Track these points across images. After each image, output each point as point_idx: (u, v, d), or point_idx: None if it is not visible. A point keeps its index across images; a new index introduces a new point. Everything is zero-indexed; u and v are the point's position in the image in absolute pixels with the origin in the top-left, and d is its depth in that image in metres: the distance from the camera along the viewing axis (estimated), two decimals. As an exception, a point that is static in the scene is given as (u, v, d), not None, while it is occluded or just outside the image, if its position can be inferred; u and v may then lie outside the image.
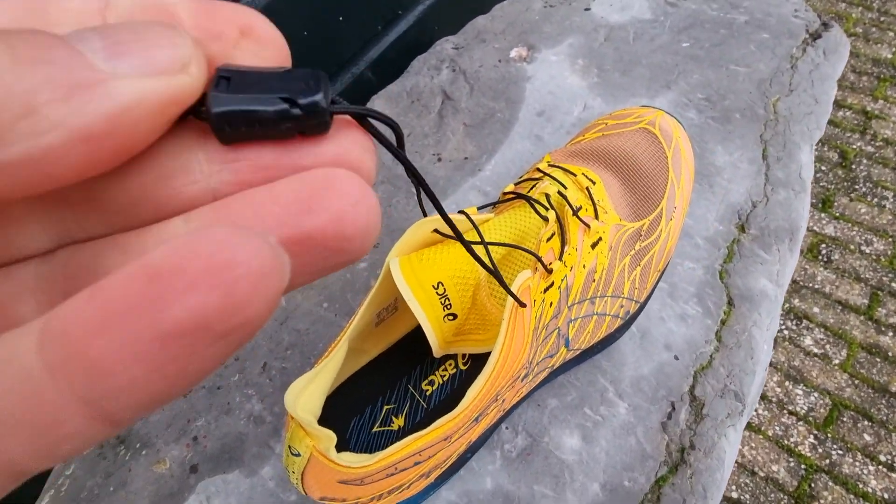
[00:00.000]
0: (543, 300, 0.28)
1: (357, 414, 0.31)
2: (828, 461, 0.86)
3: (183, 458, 0.36)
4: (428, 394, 0.32)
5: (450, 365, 0.33)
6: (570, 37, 0.59)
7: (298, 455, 0.21)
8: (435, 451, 0.24)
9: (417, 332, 0.35)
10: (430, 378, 0.33)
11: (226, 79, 0.09)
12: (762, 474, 0.86)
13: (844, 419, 0.90)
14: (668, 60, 0.55)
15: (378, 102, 0.58)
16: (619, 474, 0.34)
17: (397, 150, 0.12)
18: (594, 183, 0.34)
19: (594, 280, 0.32)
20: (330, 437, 0.21)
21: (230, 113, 0.09)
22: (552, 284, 0.28)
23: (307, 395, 0.22)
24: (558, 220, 0.29)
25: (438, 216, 0.26)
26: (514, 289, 0.25)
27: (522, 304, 0.25)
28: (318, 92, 0.10)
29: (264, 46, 0.10)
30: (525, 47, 0.59)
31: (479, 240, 0.27)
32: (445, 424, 0.23)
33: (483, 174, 0.49)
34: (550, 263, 0.28)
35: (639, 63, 0.55)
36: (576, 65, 0.56)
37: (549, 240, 0.28)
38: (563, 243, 0.29)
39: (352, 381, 0.32)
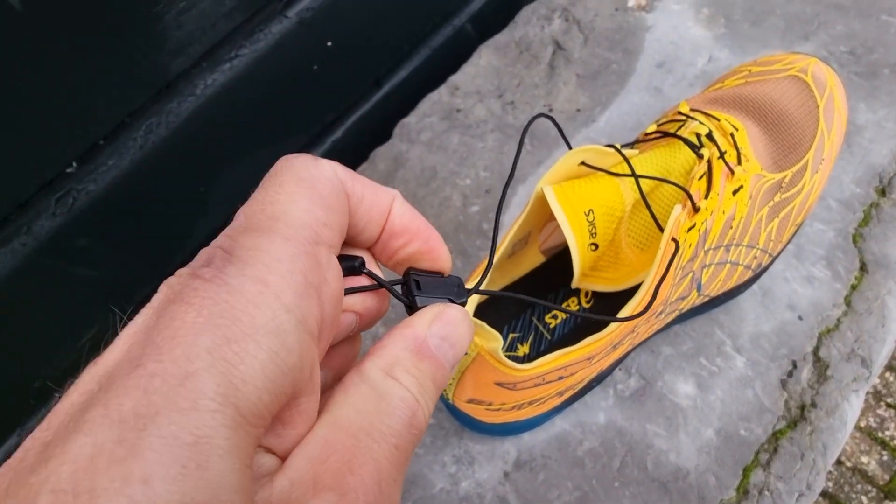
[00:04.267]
0: (685, 240, 0.28)
1: (484, 339, 0.33)
2: (927, 458, 0.81)
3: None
4: (551, 327, 0.34)
5: (573, 302, 0.34)
6: (694, -15, 0.56)
7: (465, 353, 0.23)
8: (577, 368, 0.26)
9: (539, 271, 0.36)
10: (553, 312, 0.34)
11: (416, 282, 0.16)
12: (849, 464, 0.82)
13: (952, 417, 0.84)
14: (808, 10, 0.51)
15: (485, 52, 0.58)
16: (735, 423, 0.34)
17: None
18: (737, 130, 0.33)
19: (731, 227, 0.31)
20: (497, 338, 0.22)
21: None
22: (693, 226, 0.28)
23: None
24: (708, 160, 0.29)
25: (587, 147, 0.27)
26: (668, 224, 0.25)
27: (675, 241, 0.25)
28: (464, 295, 0.17)
29: (436, 261, 0.17)
30: (644, -4, 0.56)
31: (628, 174, 0.27)
32: (594, 343, 0.25)
33: (597, 125, 0.49)
34: (698, 202, 0.27)
35: (772, 13, 0.52)
36: (700, 14, 0.53)
37: (700, 178, 0.27)
38: (709, 186, 0.29)
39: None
